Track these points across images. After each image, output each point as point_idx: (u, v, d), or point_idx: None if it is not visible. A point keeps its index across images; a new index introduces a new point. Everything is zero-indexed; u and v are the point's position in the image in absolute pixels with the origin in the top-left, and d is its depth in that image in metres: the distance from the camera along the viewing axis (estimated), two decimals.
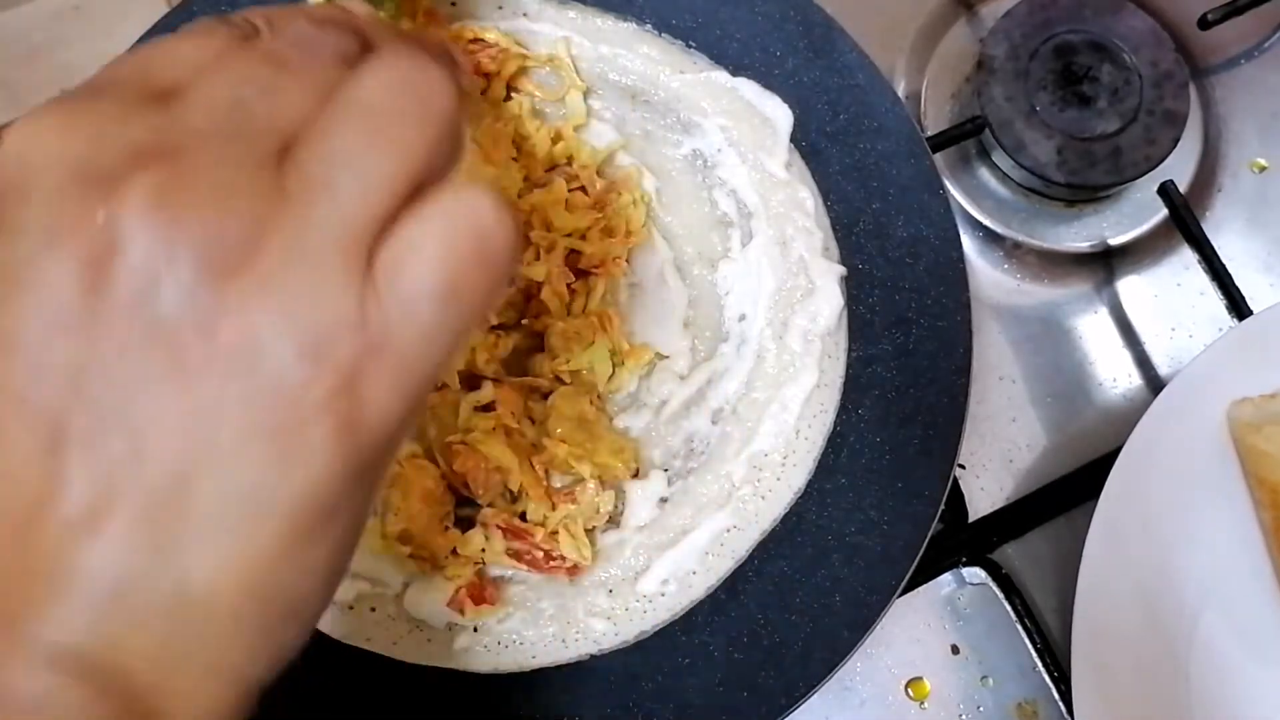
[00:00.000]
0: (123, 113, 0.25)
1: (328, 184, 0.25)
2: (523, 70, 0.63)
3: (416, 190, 0.26)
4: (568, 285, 0.61)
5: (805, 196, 0.63)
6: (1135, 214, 0.73)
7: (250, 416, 0.23)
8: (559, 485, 0.58)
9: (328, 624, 0.56)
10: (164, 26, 0.63)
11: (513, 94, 0.63)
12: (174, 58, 0.27)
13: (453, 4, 0.63)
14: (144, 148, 0.24)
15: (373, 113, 0.26)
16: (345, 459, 0.25)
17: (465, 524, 0.58)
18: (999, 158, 0.72)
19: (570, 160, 0.63)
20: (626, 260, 0.62)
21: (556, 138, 0.62)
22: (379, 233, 0.25)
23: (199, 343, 0.23)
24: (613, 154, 0.63)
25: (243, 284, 0.23)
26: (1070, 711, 0.59)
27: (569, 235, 0.60)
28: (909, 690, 0.64)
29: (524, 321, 0.60)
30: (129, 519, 0.23)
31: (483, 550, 0.57)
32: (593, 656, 0.57)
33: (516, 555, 0.56)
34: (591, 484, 0.57)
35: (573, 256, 0.61)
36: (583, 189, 0.62)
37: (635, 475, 0.59)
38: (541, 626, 0.57)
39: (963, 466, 0.68)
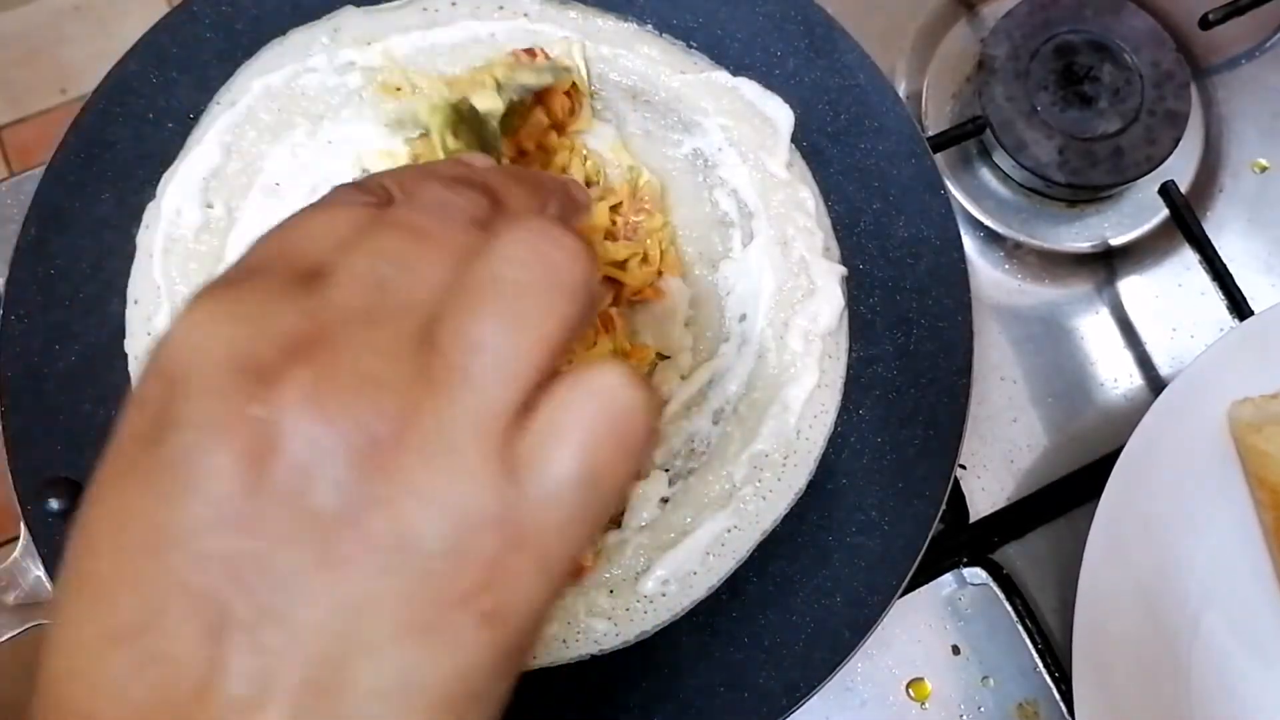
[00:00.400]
0: (275, 299, 0.26)
1: (467, 372, 0.25)
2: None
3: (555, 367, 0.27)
4: None
5: (806, 196, 0.63)
6: (1136, 214, 0.73)
7: (400, 608, 0.24)
8: None
9: None
10: (164, 26, 0.63)
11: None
12: (316, 233, 0.29)
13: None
14: (296, 338, 0.25)
15: (510, 292, 0.26)
16: (492, 647, 0.25)
17: None
18: (1000, 158, 0.72)
19: (598, 179, 0.63)
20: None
21: (578, 151, 0.62)
22: (519, 415, 0.26)
23: (350, 535, 0.24)
24: (638, 173, 0.63)
25: (390, 477, 0.24)
26: (1071, 712, 0.59)
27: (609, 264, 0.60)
28: (910, 690, 0.64)
29: None
30: (286, 704, 0.24)
31: None
32: (593, 657, 0.57)
33: None
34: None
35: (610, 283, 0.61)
36: (615, 208, 0.62)
37: (637, 476, 0.59)
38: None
39: (963, 467, 0.68)
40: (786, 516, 0.59)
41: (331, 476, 0.24)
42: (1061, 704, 0.61)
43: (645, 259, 0.61)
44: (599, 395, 0.26)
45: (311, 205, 0.30)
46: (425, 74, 0.63)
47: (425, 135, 0.59)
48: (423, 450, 0.24)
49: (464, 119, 0.47)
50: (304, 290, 0.26)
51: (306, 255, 0.28)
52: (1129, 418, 0.62)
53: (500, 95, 0.47)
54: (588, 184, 0.62)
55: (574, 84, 0.63)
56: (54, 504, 0.56)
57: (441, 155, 0.45)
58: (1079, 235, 0.73)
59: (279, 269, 0.27)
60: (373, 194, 0.31)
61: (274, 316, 0.25)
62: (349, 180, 0.32)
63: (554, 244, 0.27)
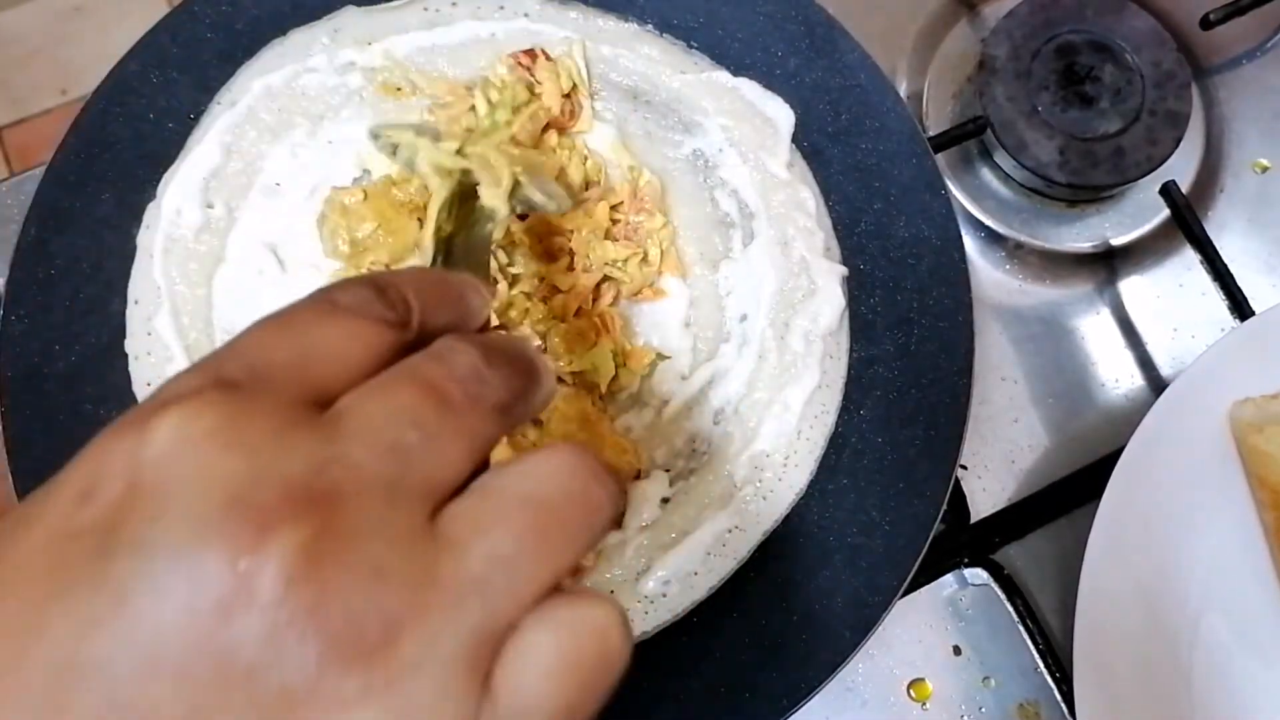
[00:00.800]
0: (284, 433, 0.24)
1: (481, 585, 0.24)
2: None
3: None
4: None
5: (807, 197, 0.63)
6: (1137, 214, 0.73)
7: None
8: None
9: None
10: (164, 27, 0.63)
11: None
12: (331, 348, 0.27)
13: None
14: (300, 487, 0.23)
15: (543, 520, 0.26)
16: None
17: None
18: (1001, 158, 0.72)
19: (599, 179, 0.62)
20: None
21: (578, 152, 0.62)
22: (506, 633, 0.24)
23: None
24: (638, 173, 0.63)
25: (368, 678, 0.22)
26: (1072, 712, 0.58)
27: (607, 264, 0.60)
28: (911, 691, 0.64)
29: (526, 323, 0.59)
30: None
31: None
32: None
33: None
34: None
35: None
36: (615, 208, 0.62)
37: (637, 476, 0.59)
38: None
39: (964, 467, 0.68)
40: (787, 517, 0.59)
41: (303, 658, 0.22)
42: (1062, 704, 0.61)
43: (645, 259, 0.61)
44: (587, 626, 0.25)
45: (324, 300, 0.28)
46: (426, 74, 0.63)
47: (408, 180, 0.58)
48: (411, 658, 0.23)
49: (463, 198, 0.47)
50: (316, 428, 0.25)
51: (320, 377, 0.26)
52: (1130, 418, 0.62)
53: (509, 200, 0.47)
54: (587, 185, 0.62)
55: (574, 86, 0.63)
56: None
57: (431, 223, 0.45)
58: (1080, 235, 0.73)
59: (289, 388, 0.25)
60: (393, 307, 0.29)
61: (282, 455, 0.23)
62: (361, 275, 0.30)
63: (598, 481, 0.27)
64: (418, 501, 0.25)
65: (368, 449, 0.24)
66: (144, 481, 0.23)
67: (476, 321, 0.33)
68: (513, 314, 0.60)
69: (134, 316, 0.60)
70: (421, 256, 0.44)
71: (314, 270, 0.60)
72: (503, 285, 0.59)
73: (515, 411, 0.29)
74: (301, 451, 0.24)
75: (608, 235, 0.61)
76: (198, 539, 0.22)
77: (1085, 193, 0.72)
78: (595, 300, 0.61)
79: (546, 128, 0.62)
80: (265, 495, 0.22)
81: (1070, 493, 0.66)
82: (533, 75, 0.62)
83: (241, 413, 0.24)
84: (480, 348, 0.28)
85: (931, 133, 0.72)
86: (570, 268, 0.60)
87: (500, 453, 0.56)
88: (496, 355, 0.29)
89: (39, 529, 0.23)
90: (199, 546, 0.22)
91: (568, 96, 0.62)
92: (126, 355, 0.59)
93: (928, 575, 0.64)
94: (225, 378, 0.25)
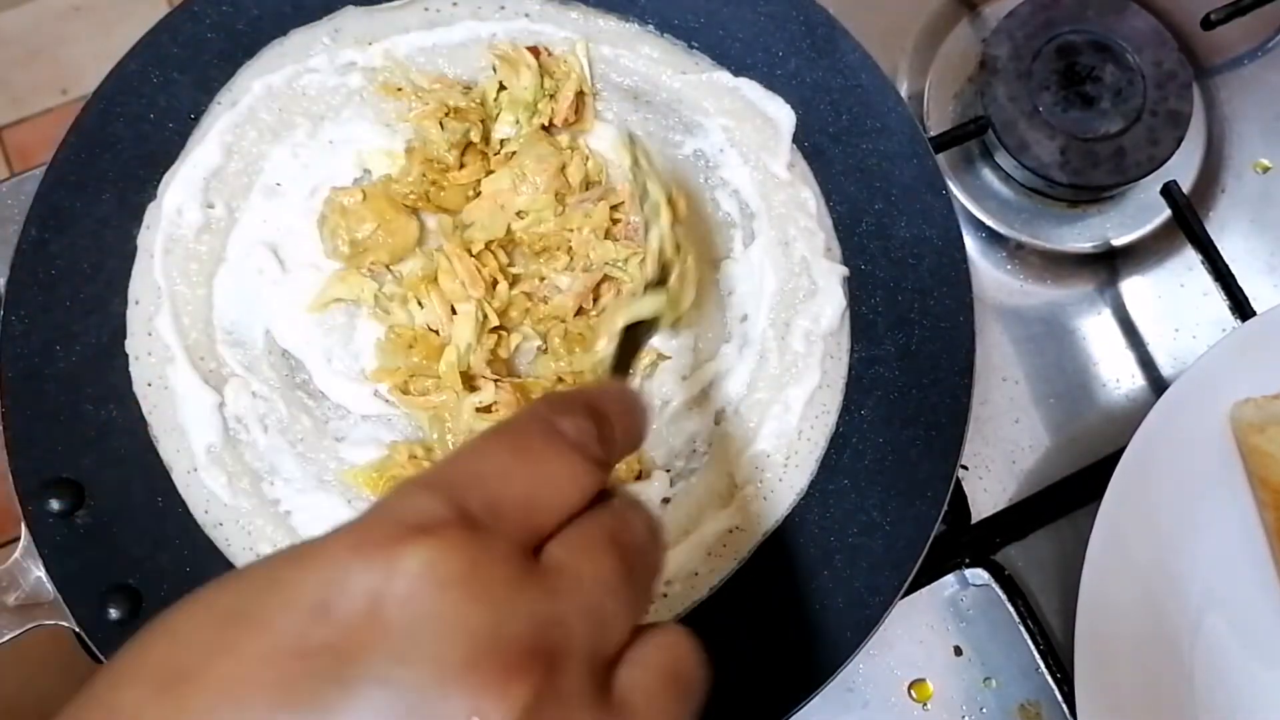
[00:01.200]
0: (517, 582, 0.26)
1: None
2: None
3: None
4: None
5: (807, 197, 0.63)
6: (1138, 215, 0.73)
7: None
8: None
9: None
10: (165, 27, 0.63)
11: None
12: (554, 490, 0.29)
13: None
14: (528, 647, 0.25)
15: (681, 691, 0.29)
16: None
17: None
18: (1002, 158, 0.72)
19: (599, 179, 0.62)
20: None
21: (572, 145, 0.62)
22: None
23: None
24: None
25: None
26: (1073, 713, 0.58)
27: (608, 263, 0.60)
28: (912, 692, 0.64)
29: (511, 312, 0.59)
30: None
31: None
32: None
33: None
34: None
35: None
36: (615, 208, 0.62)
37: (639, 477, 0.59)
38: None
39: (965, 467, 0.68)
40: (788, 517, 0.59)
41: None
42: (1063, 705, 0.61)
43: (645, 259, 0.61)
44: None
45: (552, 428, 0.30)
46: (426, 74, 0.62)
47: (406, 178, 0.60)
48: None
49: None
50: (540, 583, 0.27)
51: (544, 522, 0.28)
52: (1131, 418, 0.62)
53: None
54: (588, 185, 0.62)
55: (581, 88, 0.63)
56: (54, 504, 0.56)
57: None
58: (1081, 235, 0.72)
59: (520, 531, 0.27)
60: (606, 445, 0.31)
61: (516, 610, 0.25)
62: (580, 395, 0.33)
63: (697, 665, 0.30)
64: (603, 669, 0.27)
65: (579, 614, 0.27)
66: (390, 617, 0.24)
67: (643, 443, 0.37)
68: (513, 314, 0.60)
69: (134, 316, 0.60)
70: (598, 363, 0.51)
71: (314, 270, 0.60)
72: (503, 285, 0.59)
73: (656, 590, 0.32)
74: (531, 608, 0.26)
75: (608, 235, 0.61)
76: (441, 685, 0.24)
77: (1086, 193, 0.72)
78: (595, 300, 0.61)
79: (549, 126, 0.62)
80: (503, 652, 0.25)
81: (1071, 493, 0.66)
82: (549, 70, 0.62)
83: (484, 560, 0.26)
84: (648, 523, 0.31)
85: (932, 133, 0.72)
86: (570, 267, 0.60)
87: None
88: (656, 529, 0.32)
89: (267, 636, 0.24)
90: (442, 692, 0.24)
91: (580, 94, 0.62)
92: (127, 355, 0.59)
93: (929, 576, 0.64)
94: (468, 512, 0.27)
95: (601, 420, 0.31)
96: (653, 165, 0.56)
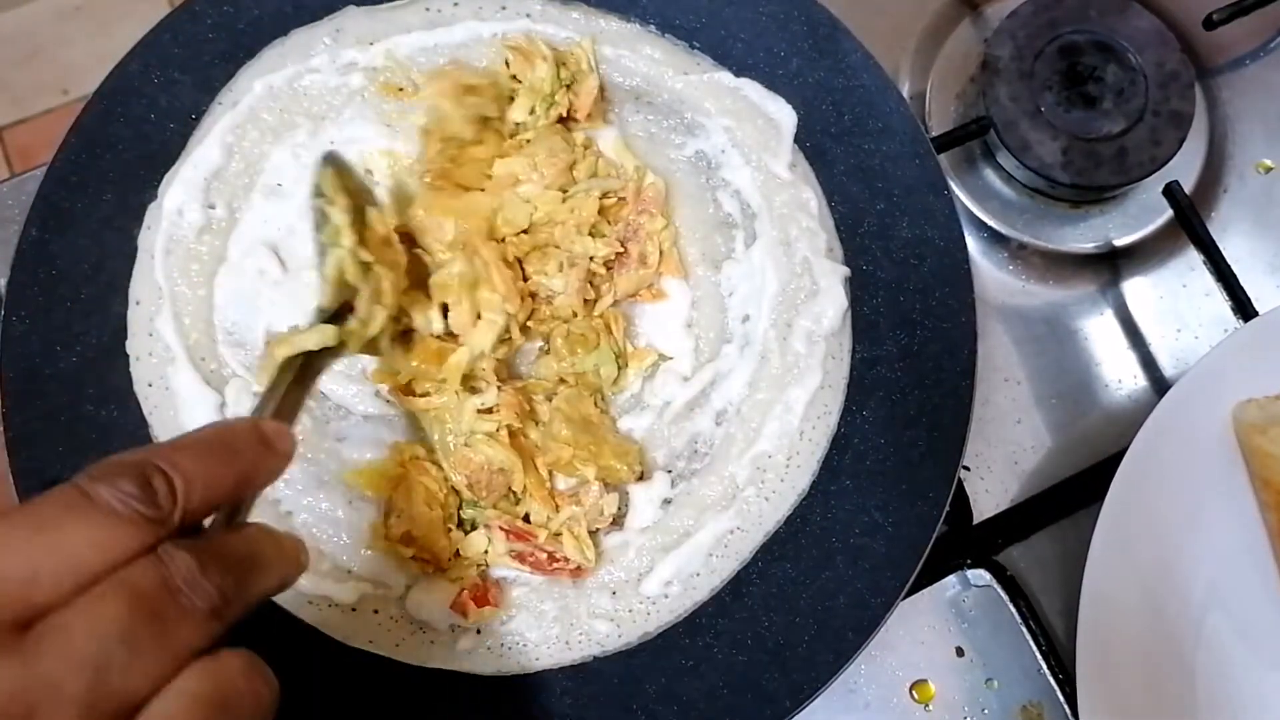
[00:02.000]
0: None
1: None
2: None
3: None
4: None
5: (809, 197, 0.63)
6: (1140, 215, 0.73)
7: None
8: (562, 487, 0.58)
9: (331, 626, 0.56)
10: (166, 27, 0.63)
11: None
12: (67, 556, 0.29)
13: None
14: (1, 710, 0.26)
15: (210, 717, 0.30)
16: None
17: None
18: (1004, 158, 0.72)
19: (595, 172, 0.62)
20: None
21: (587, 144, 0.62)
22: None
23: None
24: (643, 173, 0.63)
25: None
26: (1075, 714, 0.58)
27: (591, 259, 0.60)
28: (913, 693, 0.63)
29: (529, 324, 0.59)
30: None
31: (485, 552, 0.57)
32: (596, 658, 0.57)
33: (519, 557, 0.56)
34: (595, 486, 0.57)
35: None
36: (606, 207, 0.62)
37: (640, 478, 0.59)
38: (545, 628, 0.57)
39: (967, 468, 0.68)
40: (789, 518, 0.59)
41: None
42: (1065, 706, 0.61)
43: (644, 261, 0.61)
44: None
45: (80, 494, 0.31)
46: (428, 74, 0.62)
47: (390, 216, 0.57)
48: None
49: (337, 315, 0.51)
50: (18, 651, 0.28)
51: (42, 598, 0.29)
52: (1133, 419, 0.62)
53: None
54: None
55: (601, 86, 0.63)
56: None
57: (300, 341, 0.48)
58: (1083, 236, 0.72)
59: (5, 609, 0.28)
60: (153, 502, 0.31)
61: None
62: (138, 457, 0.33)
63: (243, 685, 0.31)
64: (117, 712, 0.28)
65: (68, 667, 0.28)
66: None
67: (258, 484, 0.37)
68: (530, 324, 0.59)
69: (135, 317, 0.60)
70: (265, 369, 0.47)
71: (315, 271, 0.60)
72: (528, 300, 0.59)
73: (230, 610, 0.32)
74: (6, 678, 0.27)
75: (592, 231, 0.60)
76: None
77: (1088, 193, 0.72)
78: (597, 300, 0.61)
79: (566, 119, 0.62)
80: None
81: (1073, 494, 0.66)
82: (563, 61, 0.62)
83: None
84: (196, 553, 0.32)
85: (934, 133, 0.72)
86: (560, 269, 0.60)
87: (500, 453, 0.56)
88: (213, 558, 0.32)
89: None
90: None
91: (601, 88, 0.62)
92: (127, 356, 0.59)
93: (930, 576, 0.64)
94: None
95: (150, 475, 0.32)
96: (341, 188, 0.53)
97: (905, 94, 0.74)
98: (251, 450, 0.36)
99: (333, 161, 0.53)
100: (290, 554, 0.37)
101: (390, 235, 0.54)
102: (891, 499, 0.58)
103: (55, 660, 0.28)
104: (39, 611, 0.29)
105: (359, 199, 0.53)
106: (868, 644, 0.56)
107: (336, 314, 0.51)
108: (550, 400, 0.58)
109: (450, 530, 0.57)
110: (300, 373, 0.47)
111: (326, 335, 0.49)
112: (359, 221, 0.52)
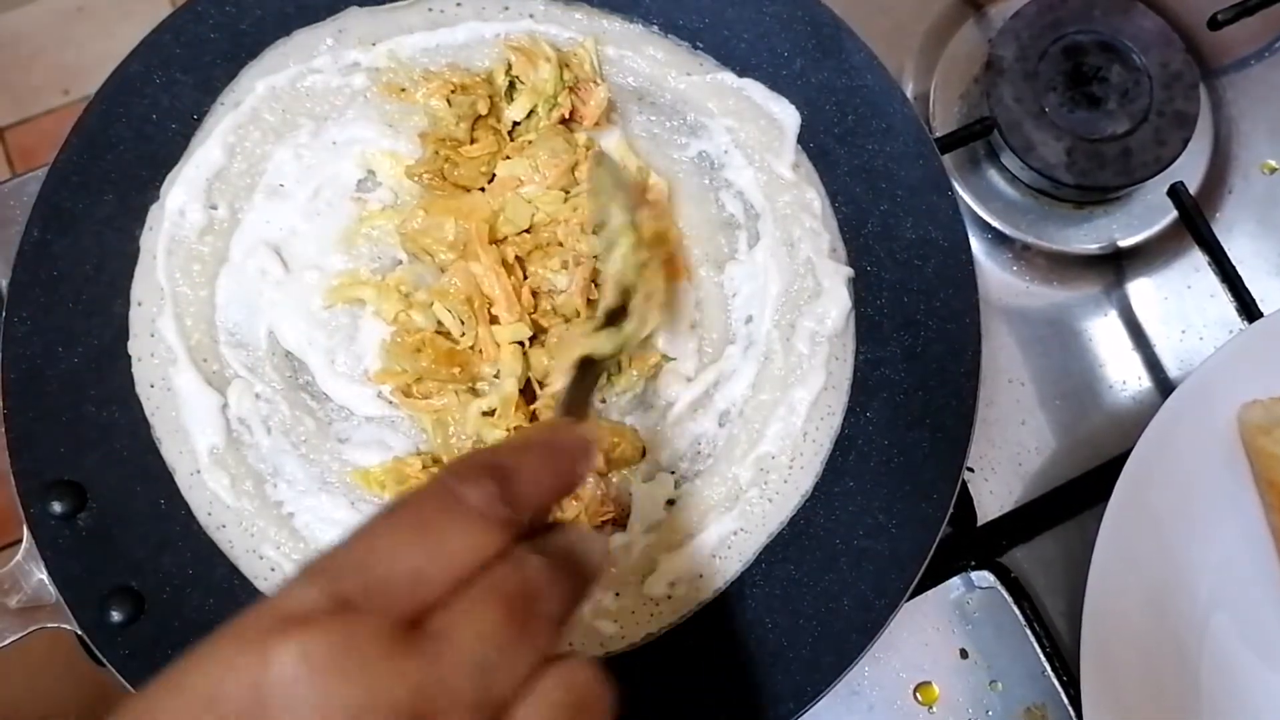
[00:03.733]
0: (385, 657, 0.27)
1: None
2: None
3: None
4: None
5: (812, 198, 0.63)
6: (1145, 216, 0.73)
7: None
8: None
9: None
10: (168, 27, 0.63)
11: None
12: (450, 559, 0.30)
13: None
14: (405, 710, 0.27)
15: None
16: None
17: None
18: (1008, 159, 0.72)
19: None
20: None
21: (589, 145, 0.62)
22: None
23: None
24: (646, 173, 0.63)
25: None
26: (1079, 716, 0.58)
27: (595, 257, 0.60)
28: (917, 694, 0.63)
29: (531, 316, 0.59)
30: None
31: None
32: (599, 659, 0.57)
33: None
34: (592, 479, 0.57)
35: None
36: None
37: (643, 455, 0.58)
38: None
39: (971, 469, 0.68)
40: (793, 519, 0.59)
41: None
42: (1070, 708, 0.61)
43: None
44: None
45: (450, 495, 0.31)
46: (429, 74, 0.62)
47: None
48: None
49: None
50: (419, 651, 0.28)
51: (430, 596, 0.29)
52: (1138, 420, 0.62)
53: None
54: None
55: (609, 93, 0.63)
56: (56, 506, 0.56)
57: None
58: (1087, 237, 0.72)
59: (399, 606, 0.29)
60: (513, 505, 0.32)
61: (391, 681, 0.27)
62: (486, 456, 0.34)
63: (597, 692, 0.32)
64: (495, 713, 0.29)
65: (460, 671, 0.29)
66: (272, 703, 0.26)
67: (579, 484, 0.38)
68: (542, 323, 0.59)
69: (137, 318, 0.60)
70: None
71: (317, 271, 0.60)
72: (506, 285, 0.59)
73: (569, 614, 0.33)
74: (407, 676, 0.27)
75: (595, 230, 0.60)
76: None
77: (1093, 194, 0.71)
78: (599, 301, 0.60)
79: (568, 120, 0.62)
80: (380, 719, 0.26)
81: (1078, 495, 0.66)
82: (566, 62, 0.62)
83: (354, 641, 0.27)
84: (548, 564, 0.32)
85: (938, 134, 0.72)
86: (564, 266, 0.60)
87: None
88: (562, 567, 0.33)
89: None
90: None
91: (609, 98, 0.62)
92: (129, 357, 0.59)
93: (934, 578, 0.64)
94: (342, 598, 0.28)
95: (507, 478, 0.33)
96: (620, 185, 0.54)
97: (909, 94, 0.74)
98: (576, 452, 0.37)
99: (603, 160, 0.55)
100: (603, 548, 0.38)
101: (661, 231, 0.56)
102: (895, 500, 0.58)
103: (448, 662, 0.28)
104: (426, 611, 0.29)
105: (630, 196, 0.55)
106: (871, 646, 0.55)
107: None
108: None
109: None
110: (581, 373, 0.49)
111: (617, 339, 0.51)
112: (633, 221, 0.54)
